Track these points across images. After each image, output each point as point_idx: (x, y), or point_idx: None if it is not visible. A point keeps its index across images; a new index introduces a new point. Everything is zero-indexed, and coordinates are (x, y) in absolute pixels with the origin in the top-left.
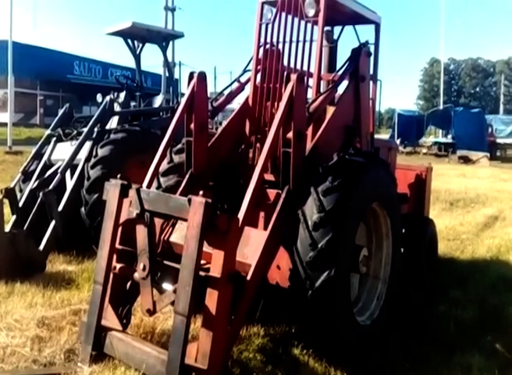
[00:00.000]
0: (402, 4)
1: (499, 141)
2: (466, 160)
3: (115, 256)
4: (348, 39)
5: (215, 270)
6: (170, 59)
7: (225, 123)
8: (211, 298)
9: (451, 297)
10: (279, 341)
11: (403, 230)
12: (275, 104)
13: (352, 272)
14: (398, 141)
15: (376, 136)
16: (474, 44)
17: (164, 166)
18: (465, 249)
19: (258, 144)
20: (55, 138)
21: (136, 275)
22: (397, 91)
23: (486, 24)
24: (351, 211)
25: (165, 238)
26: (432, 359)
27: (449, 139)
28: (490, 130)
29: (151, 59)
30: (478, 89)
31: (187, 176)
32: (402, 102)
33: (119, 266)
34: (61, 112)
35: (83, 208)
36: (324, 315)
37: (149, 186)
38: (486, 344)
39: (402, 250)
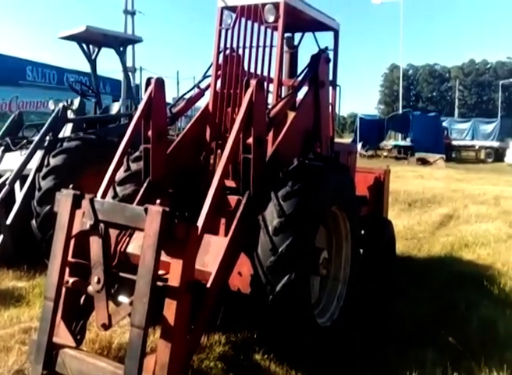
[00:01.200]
0: (363, 11)
1: (454, 143)
2: (424, 162)
3: (67, 270)
4: (310, 45)
5: (174, 280)
6: (130, 64)
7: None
8: (170, 309)
9: (408, 294)
10: (241, 348)
11: (363, 232)
12: (236, 110)
13: (312, 275)
14: (360, 145)
15: (339, 140)
16: (431, 50)
17: (120, 174)
18: (422, 248)
19: (219, 151)
20: (2, 147)
21: (91, 288)
22: (360, 96)
23: (442, 32)
24: (311, 215)
25: (122, 249)
26: (388, 356)
27: (407, 142)
28: (446, 132)
29: (111, 64)
30: (434, 93)
31: (145, 184)
32: (364, 107)
33: (71, 280)
34: (9, 119)
35: (33, 221)
36: (285, 319)
37: (104, 196)
38: (440, 339)
39: (361, 251)
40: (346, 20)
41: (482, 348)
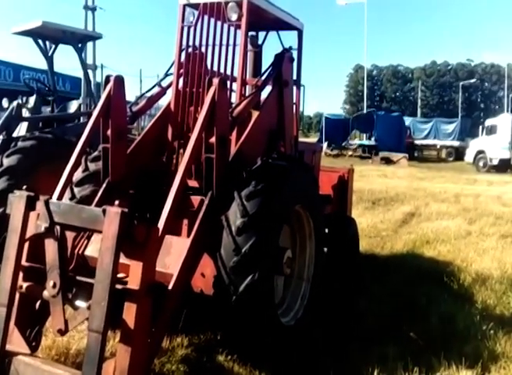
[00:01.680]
0: (329, 12)
1: (416, 142)
2: (387, 161)
3: (21, 274)
4: (275, 44)
5: (133, 283)
6: (91, 62)
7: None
8: (130, 312)
9: (371, 292)
10: (204, 350)
11: (327, 230)
12: (199, 109)
13: (276, 274)
14: (325, 144)
15: (305, 139)
16: (394, 52)
17: (78, 174)
18: (385, 245)
19: (181, 150)
20: None
21: (46, 293)
22: (326, 96)
23: (405, 33)
24: (275, 214)
25: (80, 252)
26: (351, 353)
27: (372, 141)
28: (408, 132)
29: (72, 61)
30: (398, 94)
31: (104, 185)
32: (330, 107)
33: (25, 284)
34: None
35: None
36: (248, 319)
37: (60, 197)
38: (401, 334)
39: (325, 249)
40: (311, 20)
41: (442, 343)
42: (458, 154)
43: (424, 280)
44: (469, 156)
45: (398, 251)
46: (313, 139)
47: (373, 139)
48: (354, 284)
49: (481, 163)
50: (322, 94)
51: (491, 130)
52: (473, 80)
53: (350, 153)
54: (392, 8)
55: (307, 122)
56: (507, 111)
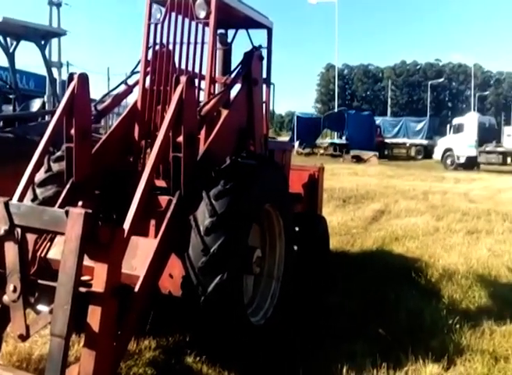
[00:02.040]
0: (300, 11)
1: (386, 140)
2: (358, 159)
3: None
4: (246, 42)
5: (98, 285)
6: (56, 59)
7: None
8: (94, 315)
9: (341, 289)
10: (172, 352)
11: (297, 229)
12: (166, 107)
13: (245, 274)
14: (297, 143)
15: (277, 138)
16: (365, 51)
17: (41, 175)
18: (355, 243)
19: (148, 150)
20: None
21: (6, 298)
22: (297, 95)
23: (376, 33)
24: (244, 214)
25: (42, 255)
26: (321, 351)
27: (343, 140)
28: (379, 130)
29: (36, 59)
30: (368, 93)
31: (68, 185)
32: (302, 106)
33: None
34: None
35: None
36: (217, 319)
37: (21, 198)
38: (370, 330)
39: (295, 248)
40: (282, 19)
41: (410, 338)
42: (427, 152)
43: (393, 277)
44: (437, 154)
45: (368, 249)
46: (284, 138)
47: (344, 138)
48: (324, 282)
49: (448, 161)
50: (294, 93)
51: (458, 129)
52: (441, 80)
53: (321, 152)
54: (362, 8)
55: (279, 121)
56: (474, 110)
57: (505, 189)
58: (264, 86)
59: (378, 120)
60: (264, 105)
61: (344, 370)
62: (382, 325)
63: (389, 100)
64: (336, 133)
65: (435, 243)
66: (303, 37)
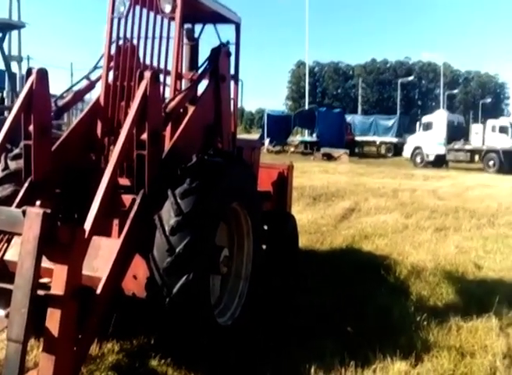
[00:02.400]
0: (271, 7)
1: (357, 138)
2: (329, 157)
3: None
4: (214, 38)
5: (57, 287)
6: (16, 53)
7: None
8: (53, 319)
9: (310, 287)
10: (136, 355)
11: (266, 227)
12: (131, 103)
13: (212, 274)
14: (267, 141)
15: (247, 136)
16: (335, 48)
17: None
18: (324, 241)
19: (112, 147)
20: None
21: None
22: (268, 92)
23: (346, 30)
24: (210, 213)
25: None
26: (290, 350)
27: (313, 138)
28: (349, 128)
29: None
30: (339, 91)
31: (26, 184)
32: (272, 103)
33: None
34: None
35: None
36: (183, 321)
37: None
38: (339, 329)
39: (264, 246)
40: (253, 15)
41: (378, 335)
42: (397, 150)
43: (362, 274)
44: (407, 152)
45: (337, 246)
46: (255, 135)
47: (315, 135)
48: (293, 280)
49: (418, 159)
50: (265, 91)
51: (427, 127)
52: (411, 78)
53: (292, 149)
54: (333, 5)
55: (249, 118)
56: (443, 108)
57: (473, 186)
58: (232, 82)
59: (349, 118)
60: (232, 101)
61: (312, 370)
62: (351, 323)
63: (360, 98)
64: (306, 130)
65: (404, 240)
66: (274, 33)
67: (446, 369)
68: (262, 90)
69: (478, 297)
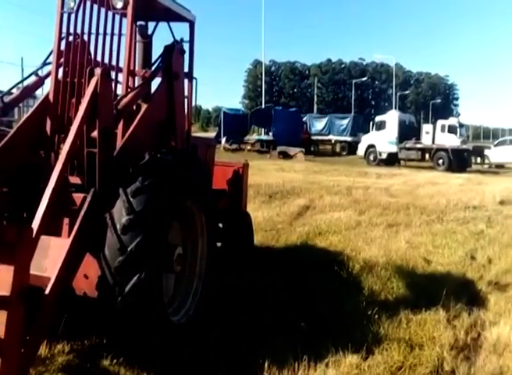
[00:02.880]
0: (229, 6)
1: (312, 137)
2: (285, 155)
3: None
4: (169, 36)
5: (3, 288)
6: None
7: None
8: None
9: (264, 284)
10: (87, 355)
11: (221, 225)
12: (81, 100)
13: (165, 272)
14: (224, 139)
15: (204, 134)
16: (292, 48)
17: None
18: (280, 238)
19: (62, 145)
20: None
21: None
22: (226, 91)
23: (302, 30)
24: (163, 211)
25: None
26: (244, 345)
27: (270, 136)
28: (305, 127)
29: None
30: (295, 90)
31: None
32: (230, 101)
33: None
34: None
35: None
36: (136, 320)
37: None
38: (292, 324)
39: (219, 244)
40: (210, 14)
41: (331, 330)
42: (351, 148)
43: (316, 270)
44: (361, 150)
45: (292, 243)
46: (212, 134)
47: (271, 134)
48: (248, 278)
49: (371, 157)
50: (222, 89)
51: (380, 126)
52: (364, 79)
53: (248, 148)
54: (289, 5)
55: (206, 116)
56: (395, 108)
57: (423, 184)
58: (187, 80)
59: (305, 117)
60: (186, 99)
61: (266, 365)
62: (304, 318)
63: (316, 97)
64: (263, 129)
65: (357, 236)
66: (231, 32)
67: (396, 361)
68: (220, 88)
69: (426, 290)
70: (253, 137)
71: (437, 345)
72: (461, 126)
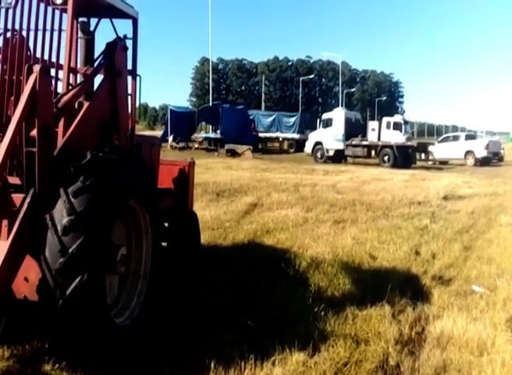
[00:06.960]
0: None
1: (260, 135)
2: (233, 153)
3: None
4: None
5: None
6: None
7: None
8: None
9: (212, 283)
10: (28, 360)
11: (166, 224)
12: (21, 98)
13: (109, 273)
14: (171, 137)
15: (150, 132)
16: (239, 46)
17: None
18: (227, 236)
19: (0, 144)
20: None
21: None
22: (173, 88)
23: (250, 28)
24: (105, 211)
25: None
26: (190, 345)
27: (218, 134)
28: (253, 125)
29: None
30: (243, 88)
31: None
32: (177, 99)
33: None
34: None
35: None
36: (78, 323)
37: None
38: (239, 322)
39: (165, 244)
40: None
41: (277, 327)
42: (299, 146)
43: (263, 268)
44: (308, 148)
45: (240, 242)
46: (158, 132)
47: (219, 132)
48: (194, 276)
49: (318, 154)
50: (169, 87)
51: (327, 124)
52: (311, 76)
53: (196, 146)
54: (236, 2)
55: (153, 114)
56: (341, 105)
57: (369, 180)
58: (130, 78)
59: (252, 115)
60: (129, 97)
61: (212, 364)
62: (251, 316)
63: (263, 95)
64: (211, 127)
65: (304, 233)
66: (178, 29)
67: (342, 357)
68: (167, 86)
69: (372, 286)
70: (200, 135)
71: (382, 340)
72: (406, 123)
